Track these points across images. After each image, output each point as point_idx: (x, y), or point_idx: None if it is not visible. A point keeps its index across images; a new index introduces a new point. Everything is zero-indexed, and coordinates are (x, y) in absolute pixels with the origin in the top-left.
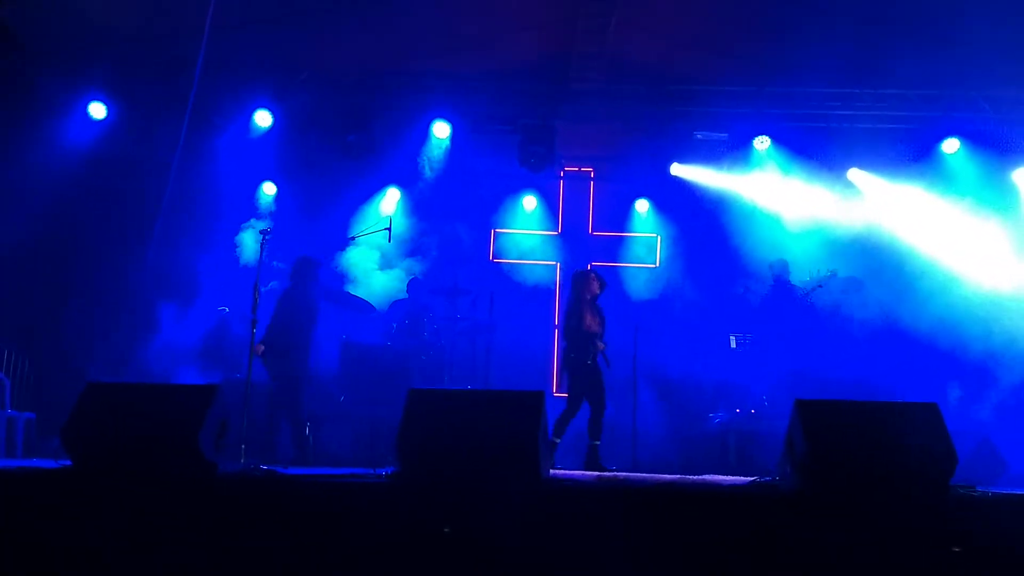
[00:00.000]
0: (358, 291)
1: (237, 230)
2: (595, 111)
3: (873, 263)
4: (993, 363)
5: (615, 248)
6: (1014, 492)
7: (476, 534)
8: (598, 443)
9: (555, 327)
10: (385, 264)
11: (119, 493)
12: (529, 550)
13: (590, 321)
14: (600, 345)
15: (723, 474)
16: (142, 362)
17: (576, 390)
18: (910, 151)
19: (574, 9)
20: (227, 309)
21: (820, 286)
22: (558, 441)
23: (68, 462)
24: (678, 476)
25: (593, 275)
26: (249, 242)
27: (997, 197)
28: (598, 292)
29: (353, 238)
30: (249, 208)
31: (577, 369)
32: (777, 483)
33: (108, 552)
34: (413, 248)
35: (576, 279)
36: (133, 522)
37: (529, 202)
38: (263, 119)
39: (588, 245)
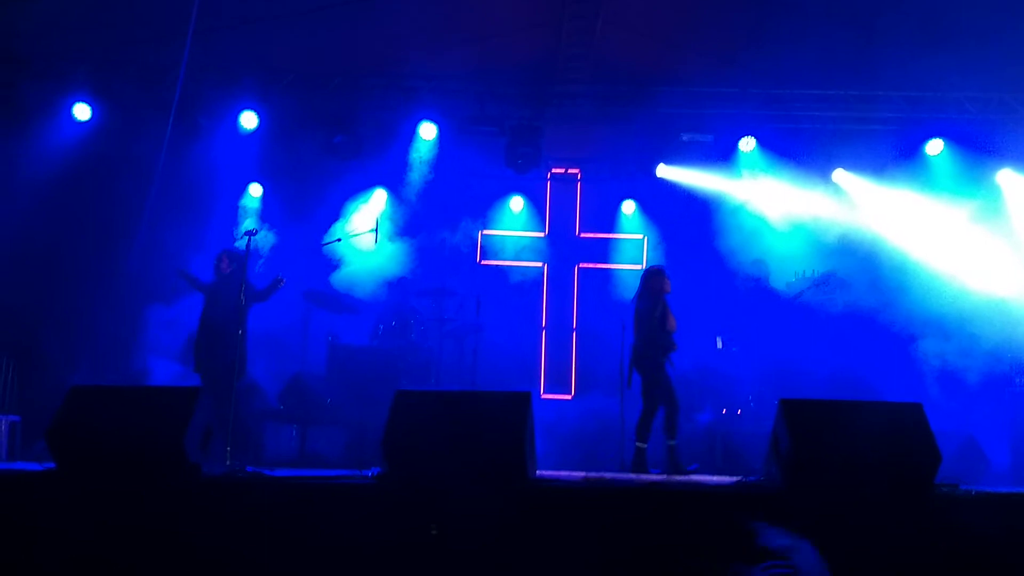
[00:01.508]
0: (350, 270)
1: (223, 231)
2: (581, 112)
3: (858, 263)
4: (977, 362)
5: (602, 249)
6: (997, 490)
7: (462, 534)
8: (675, 443)
9: (542, 328)
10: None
11: (104, 496)
12: (515, 550)
13: (672, 320)
14: (675, 345)
15: (709, 474)
16: (127, 365)
17: (653, 390)
18: (894, 152)
19: (560, 10)
20: None
21: (816, 285)
22: (644, 446)
23: (53, 465)
24: (664, 476)
25: (665, 273)
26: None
27: (981, 198)
28: (669, 291)
29: (339, 240)
30: (235, 209)
31: (654, 368)
32: (763, 483)
33: (94, 554)
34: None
35: (653, 276)
36: (118, 524)
37: (516, 204)
38: (249, 120)
39: (575, 246)
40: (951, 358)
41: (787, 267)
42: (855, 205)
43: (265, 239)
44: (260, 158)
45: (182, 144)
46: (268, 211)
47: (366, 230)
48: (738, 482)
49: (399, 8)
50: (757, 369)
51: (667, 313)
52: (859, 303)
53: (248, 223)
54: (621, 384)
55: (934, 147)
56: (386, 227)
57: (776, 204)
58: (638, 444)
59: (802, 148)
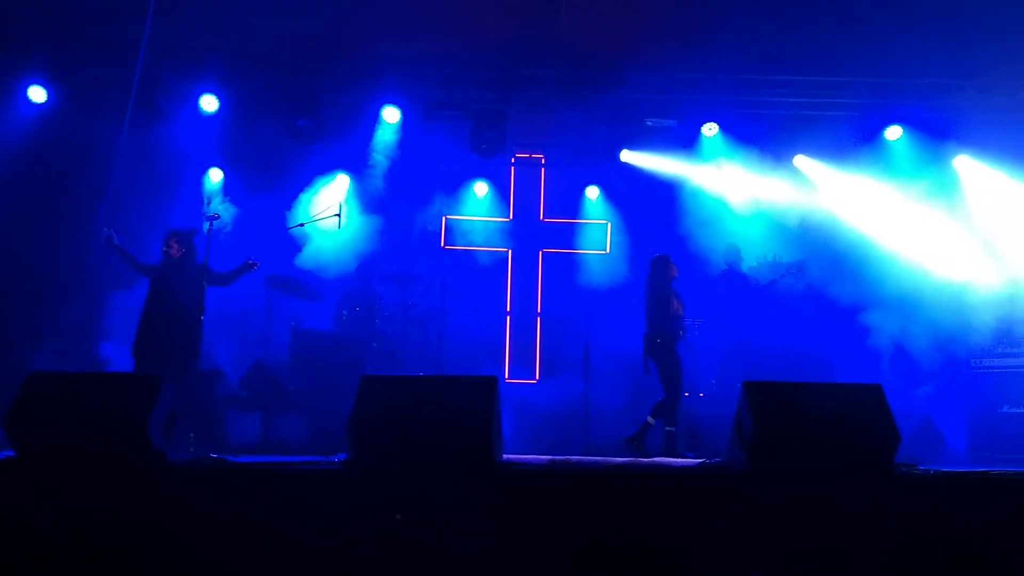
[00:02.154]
0: (313, 255)
1: (186, 214)
2: (546, 97)
3: (819, 248)
4: (935, 344)
5: (567, 235)
6: (954, 470)
7: (429, 520)
8: (674, 430)
9: (507, 313)
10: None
11: (66, 484)
12: (482, 534)
13: (676, 305)
14: (681, 331)
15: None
16: (90, 351)
17: (666, 375)
18: (855, 138)
19: None
20: None
21: (791, 273)
22: (674, 430)
23: (12, 453)
24: (629, 459)
25: (671, 259)
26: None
27: (939, 183)
28: (676, 276)
29: (302, 225)
30: (198, 192)
31: (663, 354)
32: (726, 464)
33: (56, 543)
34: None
35: (658, 263)
36: (81, 513)
37: (480, 189)
38: (209, 103)
39: (540, 232)
40: (910, 340)
41: (749, 252)
42: (816, 190)
43: (228, 223)
44: (223, 141)
45: (143, 127)
46: (231, 194)
47: (330, 214)
48: (702, 464)
49: None
50: (720, 352)
51: (670, 299)
52: (820, 286)
53: (211, 206)
54: (586, 368)
55: (893, 133)
56: (350, 211)
57: (738, 189)
58: (668, 428)
59: (764, 133)
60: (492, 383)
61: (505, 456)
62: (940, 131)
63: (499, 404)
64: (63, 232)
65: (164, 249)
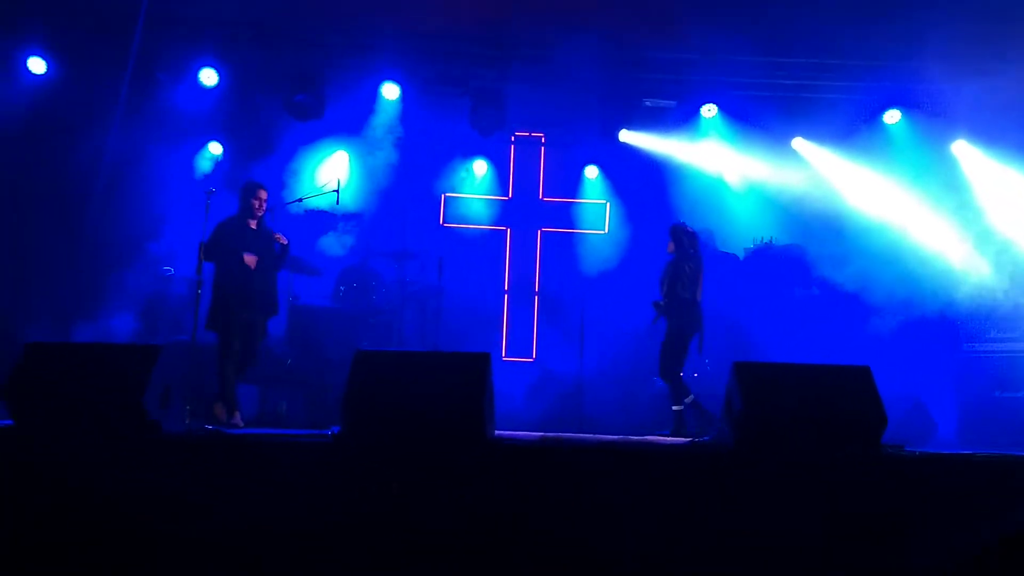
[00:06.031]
0: (311, 230)
1: (182, 190)
2: (546, 76)
3: (816, 230)
4: (927, 327)
5: (565, 214)
6: (939, 452)
7: (419, 495)
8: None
9: (504, 292)
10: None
11: (62, 453)
12: (471, 510)
13: None
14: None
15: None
16: (83, 326)
17: None
18: (853, 121)
19: None
20: (172, 270)
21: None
22: None
23: (10, 422)
24: (620, 437)
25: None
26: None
27: (937, 168)
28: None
29: (300, 200)
30: (194, 167)
31: None
32: (715, 442)
33: (52, 511)
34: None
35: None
36: (75, 482)
37: (480, 167)
38: (209, 77)
39: (538, 211)
40: (902, 322)
41: (746, 233)
42: (814, 172)
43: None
44: (221, 115)
45: (142, 99)
46: (228, 170)
47: (328, 190)
48: (691, 442)
49: None
50: (712, 332)
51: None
52: (817, 268)
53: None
54: (581, 347)
55: (891, 116)
56: (348, 187)
57: (736, 170)
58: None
59: (763, 115)
60: (484, 360)
61: (496, 432)
62: (939, 115)
63: (491, 381)
64: (60, 205)
65: (256, 204)
